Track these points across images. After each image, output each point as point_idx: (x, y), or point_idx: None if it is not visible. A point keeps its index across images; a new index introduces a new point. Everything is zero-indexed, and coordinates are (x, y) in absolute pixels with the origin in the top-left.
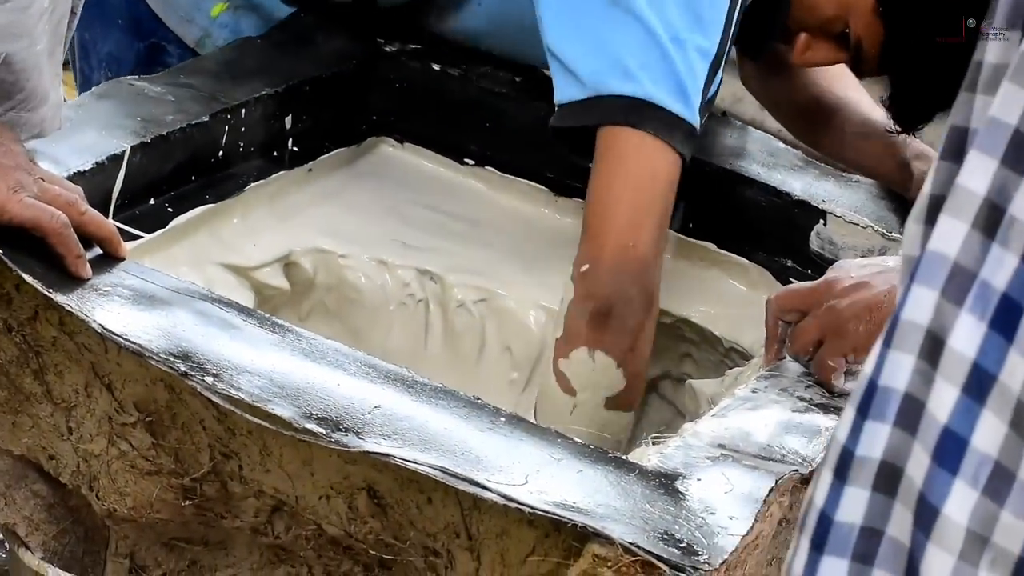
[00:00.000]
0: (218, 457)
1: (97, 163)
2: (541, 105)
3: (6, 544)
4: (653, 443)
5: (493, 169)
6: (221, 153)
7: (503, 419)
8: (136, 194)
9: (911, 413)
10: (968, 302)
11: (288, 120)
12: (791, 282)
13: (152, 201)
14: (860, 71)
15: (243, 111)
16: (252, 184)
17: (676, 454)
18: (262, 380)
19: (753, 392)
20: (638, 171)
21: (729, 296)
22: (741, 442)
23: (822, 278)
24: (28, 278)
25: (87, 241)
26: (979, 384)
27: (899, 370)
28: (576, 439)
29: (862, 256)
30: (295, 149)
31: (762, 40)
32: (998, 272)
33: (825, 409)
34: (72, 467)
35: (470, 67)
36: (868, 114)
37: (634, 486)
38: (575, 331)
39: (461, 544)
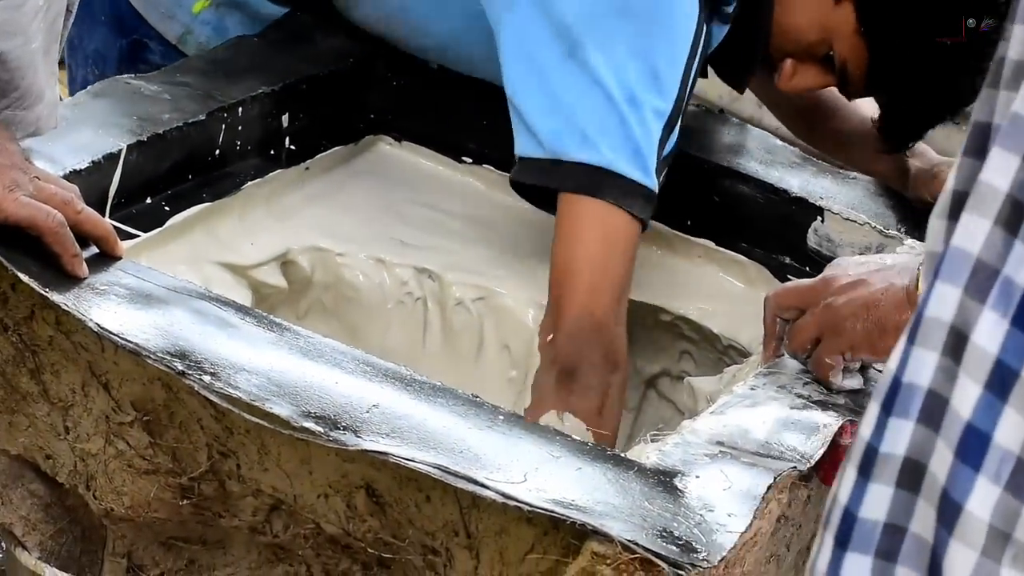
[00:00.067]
0: (216, 456)
1: (93, 162)
2: None
3: (3, 544)
4: (652, 441)
5: (491, 167)
6: (218, 152)
7: (501, 417)
8: (133, 193)
9: (934, 410)
10: (991, 299)
11: (285, 118)
12: (789, 279)
13: (149, 200)
14: (848, 93)
15: (240, 109)
16: (249, 183)
17: (675, 451)
18: (260, 379)
19: (751, 389)
20: (597, 239)
21: (727, 293)
22: (739, 439)
23: (820, 276)
24: (24, 277)
25: (83, 240)
26: (1002, 381)
27: (923, 367)
28: (575, 437)
29: (860, 253)
30: (292, 147)
31: (743, 70)
32: (1021, 269)
33: (823, 406)
34: (69, 466)
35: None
36: (864, 112)
37: (633, 484)
38: (543, 396)
39: (460, 542)
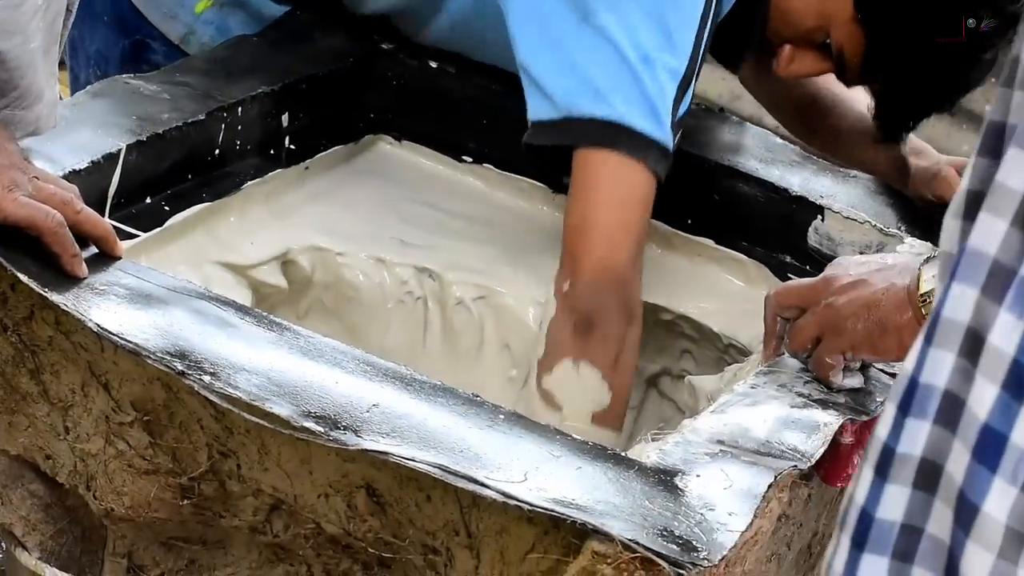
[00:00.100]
0: (216, 456)
1: (93, 162)
2: None
3: (3, 544)
4: (652, 439)
5: (491, 166)
6: (218, 151)
7: (502, 416)
8: (132, 193)
9: (951, 410)
10: (1008, 300)
11: (285, 118)
12: (789, 278)
13: (148, 200)
14: (845, 80)
15: (239, 109)
16: (249, 182)
17: (675, 450)
18: (260, 379)
19: (752, 388)
20: (614, 192)
21: (727, 292)
22: (740, 438)
23: (820, 275)
24: (23, 277)
25: (83, 240)
26: (1018, 381)
27: (940, 367)
28: (575, 436)
29: (860, 252)
30: (292, 147)
31: (739, 51)
32: None
33: (824, 405)
34: (69, 467)
35: (468, 64)
36: (862, 110)
37: (633, 483)
38: (558, 344)
39: (460, 542)
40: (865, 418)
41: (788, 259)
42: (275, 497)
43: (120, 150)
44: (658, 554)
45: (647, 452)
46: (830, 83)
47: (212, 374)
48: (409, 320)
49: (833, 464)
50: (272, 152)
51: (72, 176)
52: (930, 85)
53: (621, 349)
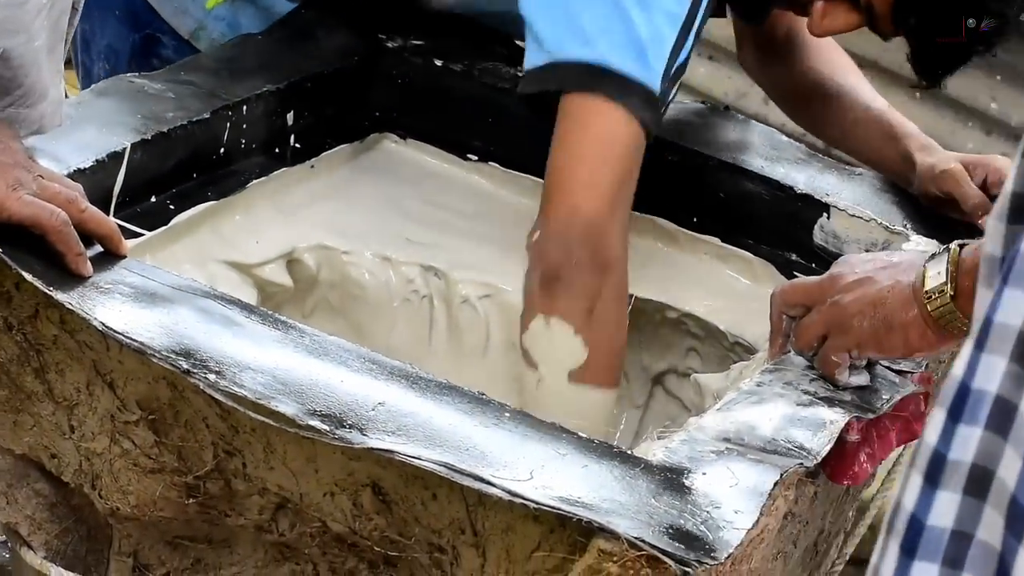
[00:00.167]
0: (221, 455)
1: (98, 160)
2: None
3: (8, 543)
4: (658, 437)
5: (496, 164)
6: (223, 150)
7: (508, 415)
8: (137, 191)
9: (1003, 416)
10: None
11: (290, 116)
12: (795, 276)
13: (153, 199)
14: (879, 32)
15: (244, 108)
16: (254, 181)
17: (681, 448)
18: (265, 377)
19: (758, 386)
20: (591, 136)
21: (733, 290)
22: (746, 436)
23: (826, 273)
24: (28, 276)
25: (88, 239)
26: None
27: (992, 373)
28: (580, 434)
29: (866, 249)
30: (297, 146)
31: (763, 6)
32: None
33: (830, 403)
34: (74, 466)
35: (472, 63)
36: (869, 102)
37: (639, 481)
38: (529, 301)
39: (466, 540)
40: (871, 415)
41: (794, 257)
42: (281, 496)
43: (125, 149)
44: (664, 552)
45: (653, 450)
46: (835, 73)
47: (217, 373)
48: (415, 318)
49: (839, 462)
50: (277, 151)
51: (77, 175)
52: (961, 26)
53: (594, 299)
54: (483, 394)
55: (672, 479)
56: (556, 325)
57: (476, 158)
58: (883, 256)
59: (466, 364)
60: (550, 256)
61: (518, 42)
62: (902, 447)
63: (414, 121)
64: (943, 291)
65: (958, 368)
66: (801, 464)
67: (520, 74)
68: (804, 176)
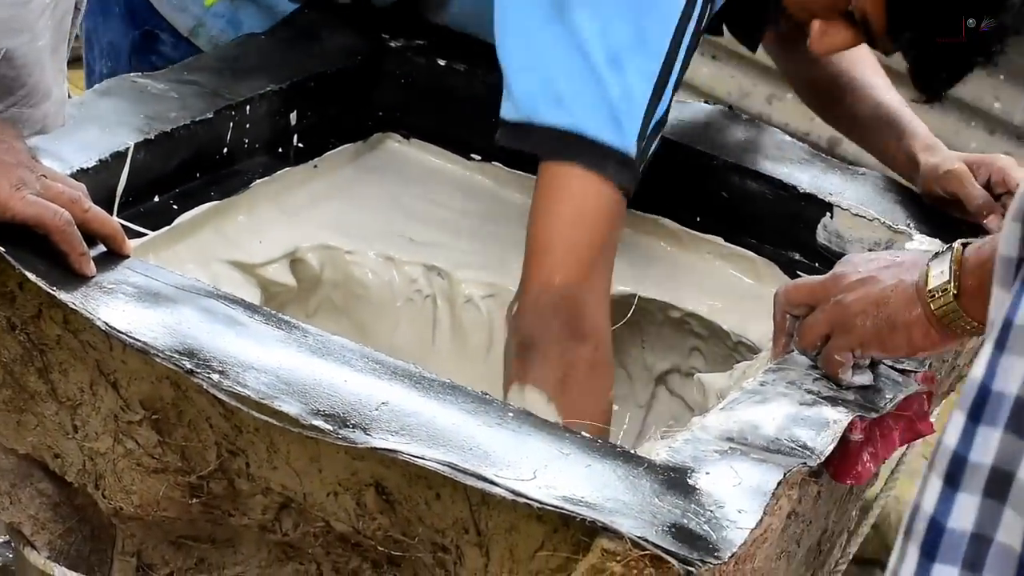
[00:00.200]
0: (225, 454)
1: (101, 160)
2: None
3: (12, 543)
4: (661, 437)
5: (500, 164)
6: (226, 150)
7: (511, 414)
8: (140, 191)
9: (1023, 418)
10: None
11: (293, 116)
12: (798, 275)
13: (157, 198)
14: (877, 47)
15: (248, 108)
16: (257, 181)
17: (685, 448)
18: (268, 377)
19: (761, 385)
20: (567, 206)
21: (737, 290)
22: (750, 435)
23: (829, 272)
24: (31, 276)
25: (91, 239)
26: None
27: (1012, 374)
28: (584, 434)
29: (869, 249)
30: (300, 145)
31: (757, 28)
32: None
33: (833, 402)
34: (78, 465)
35: (475, 62)
36: (880, 98)
37: (643, 480)
38: (506, 368)
39: (470, 540)
40: (874, 415)
41: (797, 256)
42: (284, 495)
43: (128, 148)
44: (668, 551)
45: (656, 449)
46: (852, 66)
47: (221, 372)
48: (418, 318)
49: (843, 461)
50: (280, 150)
51: (80, 175)
52: (957, 38)
53: (568, 368)
54: (487, 394)
55: (675, 478)
56: (530, 392)
57: (479, 158)
58: (886, 255)
59: (469, 364)
60: (525, 326)
61: None
62: (905, 446)
63: (417, 121)
64: (946, 290)
65: (978, 370)
66: (804, 463)
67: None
68: (807, 176)
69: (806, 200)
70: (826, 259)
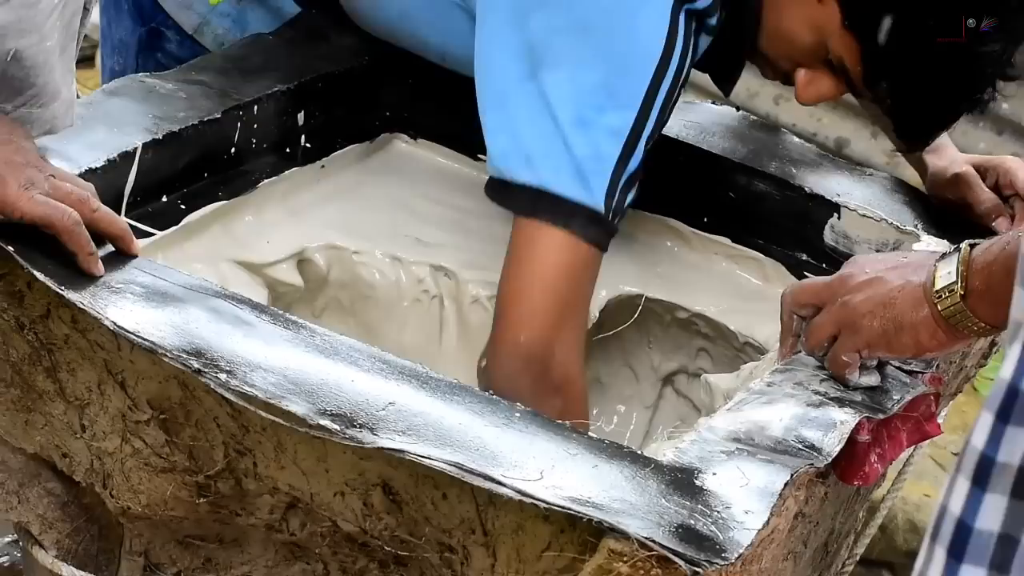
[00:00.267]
0: (232, 454)
1: (109, 160)
2: None
3: (20, 542)
4: (668, 437)
5: None
6: (234, 150)
7: (518, 415)
8: (148, 191)
9: None
10: None
11: (301, 116)
12: (806, 276)
13: (164, 198)
14: (857, 94)
15: (255, 108)
16: (265, 181)
17: (691, 448)
18: (276, 377)
19: (768, 386)
20: (535, 264)
21: (744, 290)
22: (756, 436)
23: (836, 273)
24: (40, 275)
25: (99, 238)
26: None
27: None
28: (590, 434)
29: (876, 250)
30: (308, 145)
31: (729, 75)
32: None
33: (840, 403)
34: (86, 465)
35: None
36: None
37: (649, 481)
38: None
39: (476, 540)
40: (881, 416)
41: (804, 257)
42: (291, 495)
43: (136, 148)
44: (674, 552)
45: (663, 450)
46: None
47: (228, 372)
48: (425, 318)
49: (850, 462)
50: (288, 150)
51: (88, 174)
52: (934, 89)
53: None
54: (493, 394)
55: (682, 479)
56: None
57: (486, 158)
58: (894, 256)
59: (476, 364)
60: (494, 384)
61: None
62: (912, 448)
63: (424, 121)
64: (953, 291)
65: (1006, 370)
66: (812, 464)
67: None
68: (815, 176)
69: (813, 201)
70: (833, 260)
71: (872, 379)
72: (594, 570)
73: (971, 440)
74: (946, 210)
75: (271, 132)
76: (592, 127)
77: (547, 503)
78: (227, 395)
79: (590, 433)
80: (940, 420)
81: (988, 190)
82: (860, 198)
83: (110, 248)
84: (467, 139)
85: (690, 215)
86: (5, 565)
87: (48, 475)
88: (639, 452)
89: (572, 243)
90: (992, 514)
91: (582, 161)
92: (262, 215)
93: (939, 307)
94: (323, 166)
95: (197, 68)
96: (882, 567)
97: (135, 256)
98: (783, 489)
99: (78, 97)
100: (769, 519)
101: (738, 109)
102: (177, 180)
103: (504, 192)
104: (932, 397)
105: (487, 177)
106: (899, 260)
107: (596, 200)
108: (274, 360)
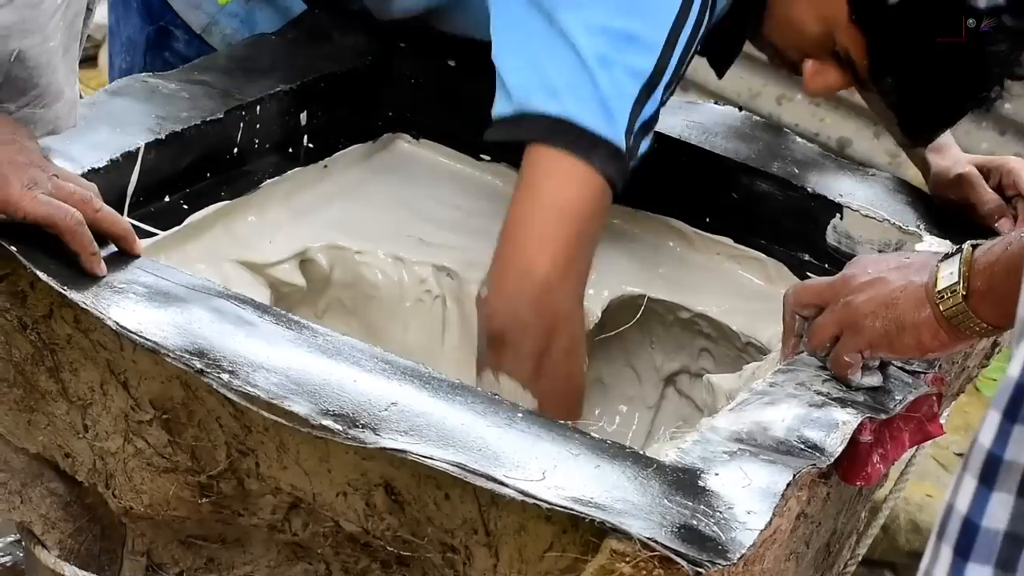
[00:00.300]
0: (235, 454)
1: (112, 160)
2: None
3: (23, 542)
4: (671, 438)
5: (509, 165)
6: (236, 150)
7: (520, 415)
8: (151, 191)
9: None
10: None
11: (303, 116)
12: (808, 276)
13: (167, 198)
14: (862, 88)
15: (258, 108)
16: (267, 181)
17: (694, 449)
18: (278, 377)
19: (771, 387)
20: (551, 191)
21: (746, 291)
22: (759, 436)
23: (839, 274)
24: (43, 276)
25: (102, 238)
26: None
27: None
28: (593, 435)
29: (879, 250)
30: (310, 145)
31: (726, 56)
32: None
33: (842, 403)
34: (88, 465)
35: (485, 63)
36: None
37: (652, 481)
38: (480, 354)
39: (479, 540)
40: (884, 416)
41: (807, 257)
42: (294, 495)
43: (139, 148)
44: (677, 552)
45: (665, 450)
46: None
47: (231, 372)
48: (427, 318)
49: (852, 463)
50: (291, 150)
51: (91, 174)
52: (939, 86)
53: (542, 359)
54: (496, 394)
55: (685, 480)
56: (504, 380)
57: (489, 158)
58: (896, 257)
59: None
60: (496, 318)
61: None
62: (915, 448)
63: (427, 121)
64: (955, 291)
65: (1014, 369)
66: (814, 465)
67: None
68: (817, 177)
69: (816, 201)
70: (836, 260)
71: (874, 379)
72: (596, 570)
73: (978, 438)
74: (949, 210)
75: (274, 132)
76: (613, 66)
77: (549, 503)
78: (229, 395)
79: (592, 433)
80: (942, 420)
81: (991, 191)
82: (863, 198)
83: (113, 248)
84: (470, 139)
85: (692, 215)
86: (8, 565)
87: (51, 475)
88: (641, 452)
89: (590, 175)
90: (999, 512)
91: (607, 96)
92: (264, 215)
93: (941, 307)
94: (326, 166)
95: (200, 68)
96: (884, 567)
97: (137, 256)
98: (785, 489)
99: (81, 97)
100: (771, 519)
101: (740, 109)
102: (179, 180)
103: (519, 123)
104: (934, 397)
105: (494, 120)
106: (901, 260)
107: (618, 136)
108: (276, 360)
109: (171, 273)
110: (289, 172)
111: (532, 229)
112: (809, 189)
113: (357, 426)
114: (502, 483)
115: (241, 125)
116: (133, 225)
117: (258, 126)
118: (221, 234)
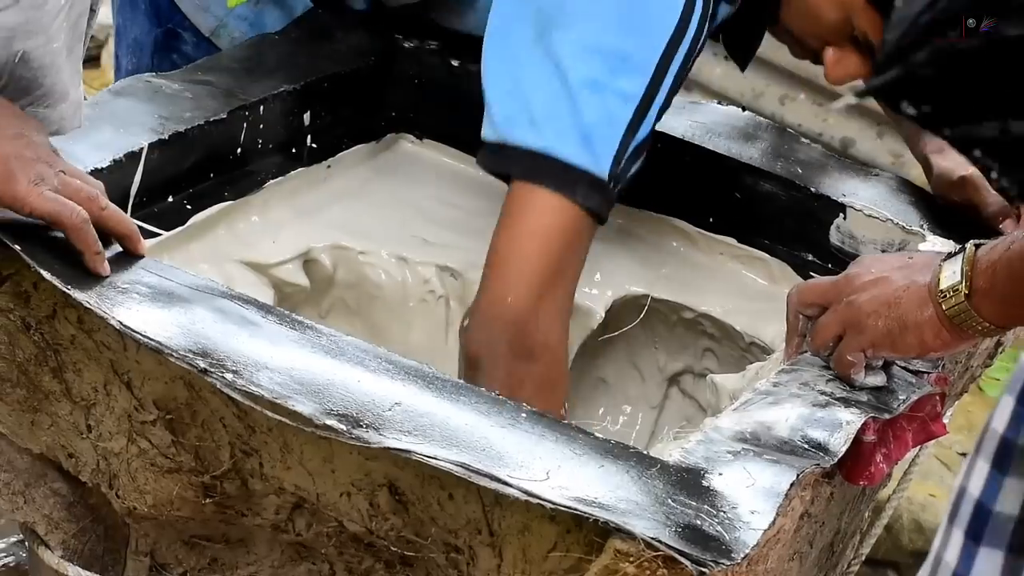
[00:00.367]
0: (238, 454)
1: (115, 160)
2: None
3: (26, 543)
4: (674, 438)
5: None
6: (239, 150)
7: (524, 415)
8: (154, 191)
9: None
10: None
11: (307, 117)
12: (811, 276)
13: (170, 198)
14: None
15: (261, 108)
16: (271, 181)
17: (698, 449)
18: (282, 377)
19: (774, 386)
20: (529, 227)
21: (750, 290)
22: (763, 436)
23: (842, 273)
24: (47, 275)
25: (106, 238)
26: None
27: None
28: (596, 435)
29: (882, 250)
30: (314, 146)
31: (748, 49)
32: None
33: (846, 403)
34: (92, 465)
35: None
36: None
37: (656, 481)
38: (459, 374)
39: (483, 540)
40: (887, 416)
41: (810, 257)
42: (297, 495)
43: (142, 149)
44: (681, 552)
45: (669, 450)
46: None
47: (234, 372)
48: (431, 319)
49: (855, 462)
50: (294, 151)
51: (94, 175)
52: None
53: (515, 389)
54: (499, 394)
55: (688, 479)
56: None
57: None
58: (899, 256)
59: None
60: (472, 345)
61: None
62: (918, 448)
63: (431, 121)
64: (958, 290)
65: None
66: (818, 465)
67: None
68: (820, 177)
69: (819, 201)
70: (839, 260)
71: (878, 379)
72: (600, 570)
73: (991, 423)
74: (952, 210)
75: (277, 132)
76: (604, 90)
77: (553, 503)
78: (233, 395)
79: (596, 433)
80: (946, 420)
81: (995, 192)
82: (866, 198)
83: (117, 248)
84: (473, 139)
85: (696, 215)
86: (11, 565)
87: (54, 475)
88: (645, 452)
89: (571, 209)
90: (1012, 498)
91: (590, 126)
92: (268, 215)
93: (944, 307)
94: (329, 166)
95: (203, 68)
96: (887, 567)
97: (142, 256)
98: (789, 489)
99: (85, 98)
100: (775, 519)
101: (744, 109)
102: (183, 180)
103: (503, 155)
104: (938, 397)
105: (482, 145)
106: (905, 260)
107: (601, 167)
108: (280, 360)
109: (175, 273)
110: (292, 172)
111: (509, 263)
112: (812, 189)
113: (361, 426)
114: (506, 483)
115: (244, 125)
116: (136, 225)
117: (261, 126)
118: (224, 234)
